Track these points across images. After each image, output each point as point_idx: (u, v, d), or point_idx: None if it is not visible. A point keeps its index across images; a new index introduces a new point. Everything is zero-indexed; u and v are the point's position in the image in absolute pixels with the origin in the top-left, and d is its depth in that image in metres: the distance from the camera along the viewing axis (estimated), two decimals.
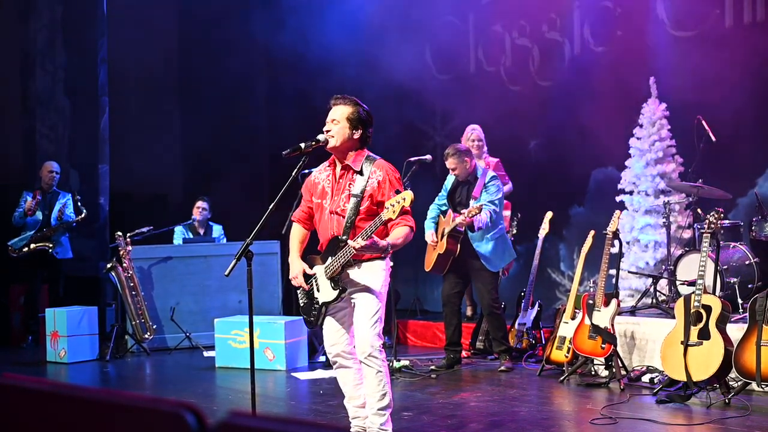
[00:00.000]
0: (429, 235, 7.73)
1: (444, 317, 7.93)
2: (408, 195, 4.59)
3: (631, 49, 9.40)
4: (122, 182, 11.02)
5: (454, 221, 7.40)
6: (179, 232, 10.28)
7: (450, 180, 7.81)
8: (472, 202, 7.42)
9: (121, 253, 9.26)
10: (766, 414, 5.77)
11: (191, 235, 10.24)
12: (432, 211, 7.85)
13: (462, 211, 7.32)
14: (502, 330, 7.79)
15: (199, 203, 10.27)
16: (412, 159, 7.66)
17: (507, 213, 8.69)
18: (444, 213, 7.80)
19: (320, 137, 4.89)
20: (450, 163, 7.61)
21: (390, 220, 4.63)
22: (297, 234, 5.17)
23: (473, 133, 8.59)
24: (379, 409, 4.91)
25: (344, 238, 4.80)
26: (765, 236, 7.42)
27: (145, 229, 9.55)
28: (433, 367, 7.74)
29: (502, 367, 7.65)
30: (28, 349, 9.75)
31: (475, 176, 7.60)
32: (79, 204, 9.71)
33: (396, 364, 7.56)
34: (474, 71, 11.06)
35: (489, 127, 9.27)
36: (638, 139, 8.89)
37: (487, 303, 7.69)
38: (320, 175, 5.10)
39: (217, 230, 10.38)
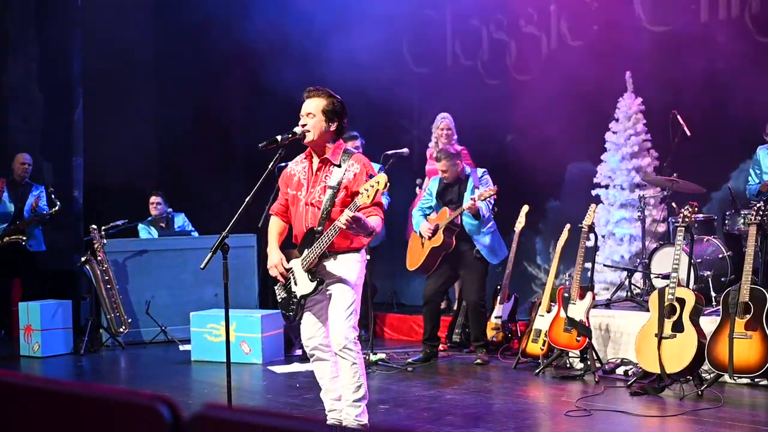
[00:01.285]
0: (424, 227, 7.64)
1: (424, 314, 7.91)
2: (381, 178, 4.59)
3: (607, 43, 9.43)
4: (97, 175, 10.93)
5: (457, 210, 7.46)
6: (143, 230, 10.21)
7: (434, 183, 7.81)
8: (466, 194, 7.46)
9: (96, 246, 9.19)
10: (738, 405, 5.83)
11: (155, 231, 10.17)
12: (417, 215, 7.81)
13: (471, 197, 7.36)
14: (482, 326, 7.81)
15: (153, 198, 10.16)
16: (389, 152, 7.66)
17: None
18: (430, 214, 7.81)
19: (297, 130, 4.89)
20: (442, 165, 7.64)
21: (365, 205, 4.64)
22: (275, 226, 5.16)
23: (443, 122, 8.57)
24: (354, 401, 4.92)
25: (320, 229, 4.81)
26: (738, 230, 7.47)
27: (119, 222, 9.49)
28: (409, 360, 7.75)
29: (478, 360, 7.66)
30: (1, 343, 9.64)
31: (466, 175, 7.65)
32: (53, 197, 9.62)
33: (372, 357, 7.56)
34: (451, 65, 11.06)
35: (465, 120, 9.27)
36: (614, 133, 8.94)
37: (475, 299, 7.71)
38: (296, 167, 5.10)
39: (180, 219, 10.30)
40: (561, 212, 9.86)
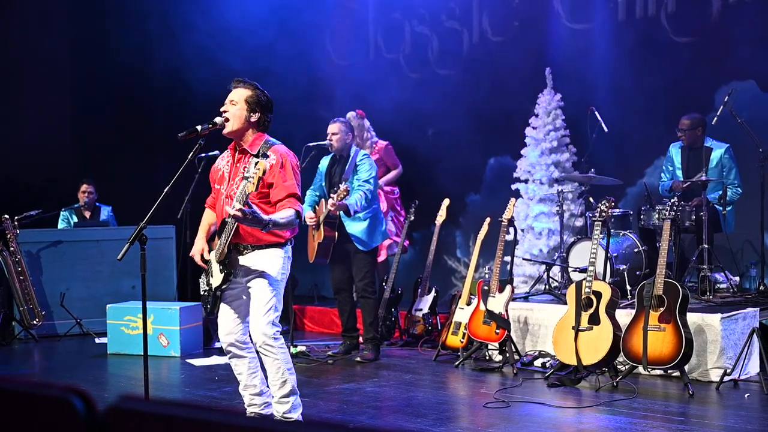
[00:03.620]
0: (308, 216, 7.36)
1: (337, 304, 7.82)
2: (262, 165, 4.42)
3: (527, 39, 9.56)
4: (9, 165, 10.64)
5: (326, 208, 7.23)
6: (64, 217, 10.00)
7: (324, 163, 7.61)
8: (342, 185, 7.27)
9: (8, 236, 8.97)
10: (652, 396, 5.96)
11: (76, 219, 9.99)
12: (308, 198, 7.52)
13: (332, 195, 7.17)
14: (372, 316, 7.59)
15: (84, 186, 10.01)
16: (311, 144, 7.61)
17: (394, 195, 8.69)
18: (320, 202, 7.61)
19: (217, 120, 4.82)
20: (334, 127, 7.41)
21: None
22: (207, 218, 5.11)
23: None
24: (281, 397, 4.87)
25: (229, 220, 4.71)
26: (652, 225, 7.64)
27: (33, 213, 9.27)
28: (330, 353, 7.73)
29: (359, 357, 7.50)
30: None
31: (350, 154, 7.45)
32: None
33: (293, 350, 7.52)
34: (373, 58, 11.08)
35: (387, 113, 9.29)
36: (534, 128, 9.06)
37: (361, 286, 7.49)
38: (221, 161, 5.03)
39: (105, 211, 10.14)
40: (481, 206, 9.97)
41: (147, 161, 11.07)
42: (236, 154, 4.91)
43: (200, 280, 5.03)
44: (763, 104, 8.25)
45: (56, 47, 11.53)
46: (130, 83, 11.32)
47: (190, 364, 7.60)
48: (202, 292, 5.02)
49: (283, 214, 4.65)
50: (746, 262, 8.20)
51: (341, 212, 7.23)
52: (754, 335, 6.20)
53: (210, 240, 5.01)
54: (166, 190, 4.71)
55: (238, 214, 4.38)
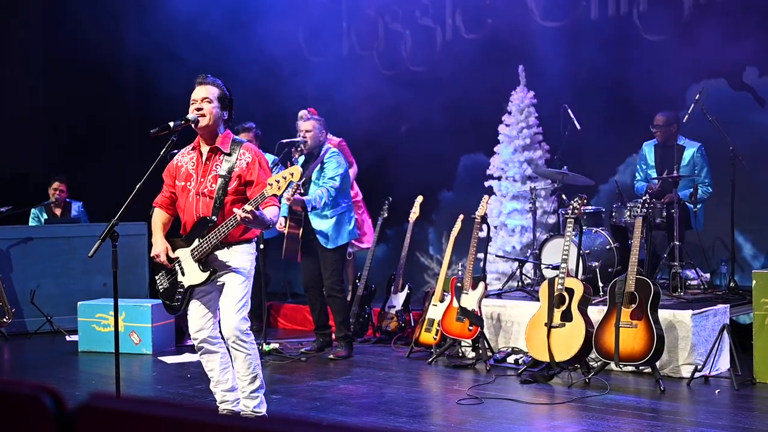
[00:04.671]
0: (281, 221, 7.41)
1: (308, 302, 7.80)
2: (296, 170, 4.56)
3: (501, 37, 9.58)
4: None
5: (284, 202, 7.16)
6: (34, 215, 9.91)
7: (300, 161, 7.59)
8: (315, 173, 7.25)
9: None
10: (623, 392, 6.00)
11: (47, 217, 9.90)
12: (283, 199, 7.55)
13: (286, 197, 7.08)
14: (341, 315, 7.54)
15: (56, 184, 9.91)
16: (285, 141, 7.57)
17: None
18: None
19: (190, 116, 4.81)
20: (308, 124, 7.37)
21: (274, 195, 4.58)
22: (159, 217, 5.07)
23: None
24: (251, 392, 4.89)
25: (213, 218, 4.74)
26: (624, 222, 7.68)
27: (3, 209, 9.19)
28: (302, 350, 7.71)
29: (331, 354, 7.48)
30: None
31: (321, 152, 7.41)
32: None
33: (266, 347, 7.50)
34: (347, 54, 11.06)
35: (361, 110, 9.28)
36: (507, 125, 9.07)
37: (328, 284, 7.43)
38: (183, 158, 5.01)
39: (76, 207, 10.05)
40: (454, 203, 9.99)
41: (119, 157, 10.99)
42: (203, 151, 4.91)
43: (157, 278, 5.01)
44: (733, 102, 8.32)
45: (27, 43, 11.41)
46: (102, 79, 11.22)
47: (162, 361, 7.56)
48: (161, 290, 4.99)
49: (272, 212, 4.73)
50: (717, 259, 8.27)
51: (311, 210, 7.22)
52: (725, 332, 6.25)
53: (167, 238, 4.99)
54: (138, 186, 4.69)
55: (249, 216, 4.47)
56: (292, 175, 4.53)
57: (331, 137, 8.60)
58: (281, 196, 4.64)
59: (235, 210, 4.59)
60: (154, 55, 10.32)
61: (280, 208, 4.85)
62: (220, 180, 4.79)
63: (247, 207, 4.50)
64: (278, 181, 4.50)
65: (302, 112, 8.06)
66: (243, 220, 4.52)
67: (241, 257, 4.85)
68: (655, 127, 7.93)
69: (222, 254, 4.83)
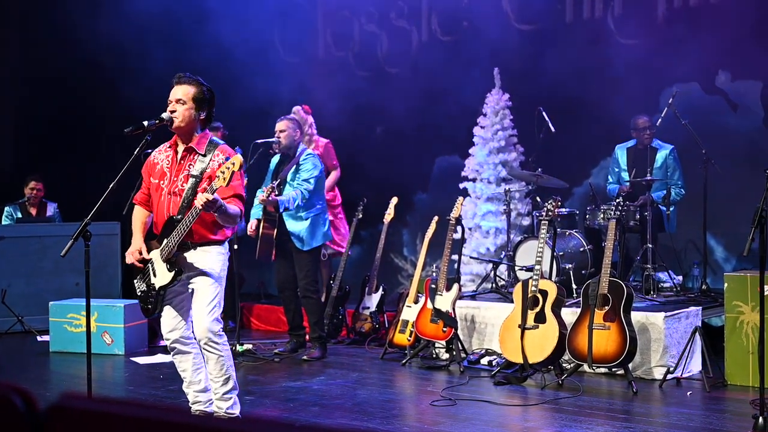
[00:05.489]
0: (252, 224, 7.43)
1: (282, 302, 7.79)
2: (237, 159, 4.50)
3: (476, 39, 9.60)
4: None
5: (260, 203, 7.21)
6: (7, 213, 9.82)
7: (274, 161, 7.59)
8: (290, 174, 7.25)
9: None
10: (596, 394, 6.03)
11: (21, 215, 9.81)
12: (256, 200, 7.50)
13: (261, 196, 7.13)
14: (316, 316, 7.53)
15: (33, 183, 9.83)
16: (259, 141, 7.55)
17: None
18: None
19: (164, 116, 4.78)
20: (282, 124, 7.37)
21: (222, 189, 4.53)
22: (139, 215, 5.04)
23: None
24: (224, 394, 4.88)
25: (179, 217, 4.70)
26: (598, 224, 7.72)
27: None
28: (276, 351, 7.69)
29: (305, 356, 7.45)
30: None
31: (296, 153, 7.40)
32: None
33: (239, 348, 7.47)
34: (323, 55, 11.04)
35: (336, 111, 9.26)
36: (482, 128, 9.10)
37: (302, 285, 7.42)
38: (159, 155, 4.98)
39: (52, 208, 9.97)
40: (429, 205, 10.00)
41: (92, 156, 10.91)
42: (179, 150, 4.88)
43: (135, 281, 4.97)
44: (706, 106, 8.39)
45: (1, 41, 11.31)
46: (76, 77, 11.14)
47: (134, 362, 7.51)
48: (139, 293, 4.96)
49: (233, 208, 4.68)
50: (689, 261, 8.34)
51: (283, 210, 7.20)
52: (697, 334, 6.29)
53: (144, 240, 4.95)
54: (111, 185, 4.66)
55: (209, 201, 4.40)
56: (233, 164, 4.47)
57: (319, 138, 8.59)
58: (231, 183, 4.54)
59: (199, 196, 4.53)
60: (126, 53, 10.26)
61: (242, 210, 4.79)
62: (191, 180, 4.77)
63: (206, 195, 4.45)
64: (223, 173, 4.45)
65: (296, 108, 8.11)
66: (205, 206, 4.47)
67: (212, 258, 4.83)
68: (635, 130, 7.99)
69: (192, 255, 4.80)
